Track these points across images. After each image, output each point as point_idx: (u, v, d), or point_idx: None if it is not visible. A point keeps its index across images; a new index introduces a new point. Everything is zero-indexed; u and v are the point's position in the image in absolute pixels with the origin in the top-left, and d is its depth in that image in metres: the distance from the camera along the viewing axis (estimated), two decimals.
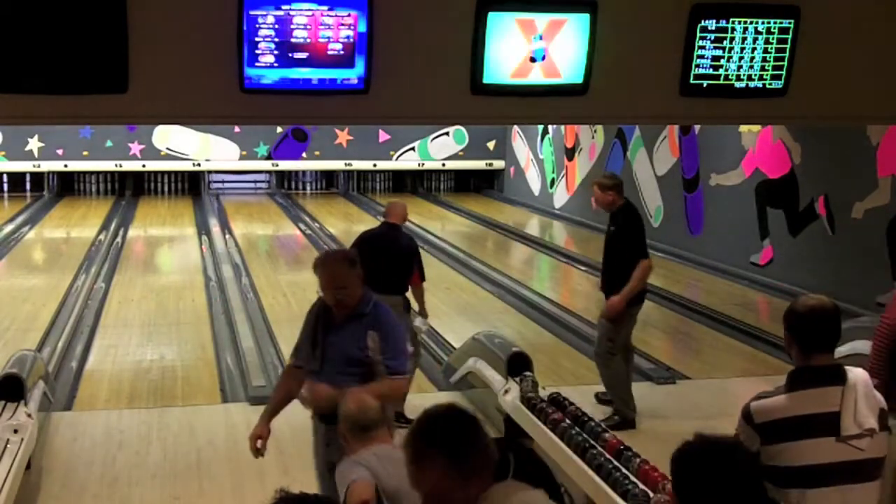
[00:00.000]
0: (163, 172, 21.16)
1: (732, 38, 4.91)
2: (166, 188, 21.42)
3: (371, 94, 4.59)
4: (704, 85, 4.99)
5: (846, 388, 3.21)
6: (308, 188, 22.25)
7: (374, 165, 21.52)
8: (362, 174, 21.87)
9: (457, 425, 2.56)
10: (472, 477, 2.49)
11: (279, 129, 20.64)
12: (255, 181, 21.87)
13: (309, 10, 4.42)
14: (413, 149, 21.42)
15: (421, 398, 6.93)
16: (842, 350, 8.33)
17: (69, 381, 7.88)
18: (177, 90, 4.56)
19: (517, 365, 6.52)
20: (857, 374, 3.29)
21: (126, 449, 6.35)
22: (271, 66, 4.45)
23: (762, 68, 5.00)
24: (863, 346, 4.79)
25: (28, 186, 20.71)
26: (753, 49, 4.95)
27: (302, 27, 4.43)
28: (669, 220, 14.10)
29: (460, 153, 21.64)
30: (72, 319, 9.70)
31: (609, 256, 6.88)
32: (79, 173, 20.86)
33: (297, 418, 6.93)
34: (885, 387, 3.66)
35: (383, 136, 21.19)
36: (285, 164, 21.22)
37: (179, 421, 6.83)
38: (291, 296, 11.05)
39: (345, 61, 4.50)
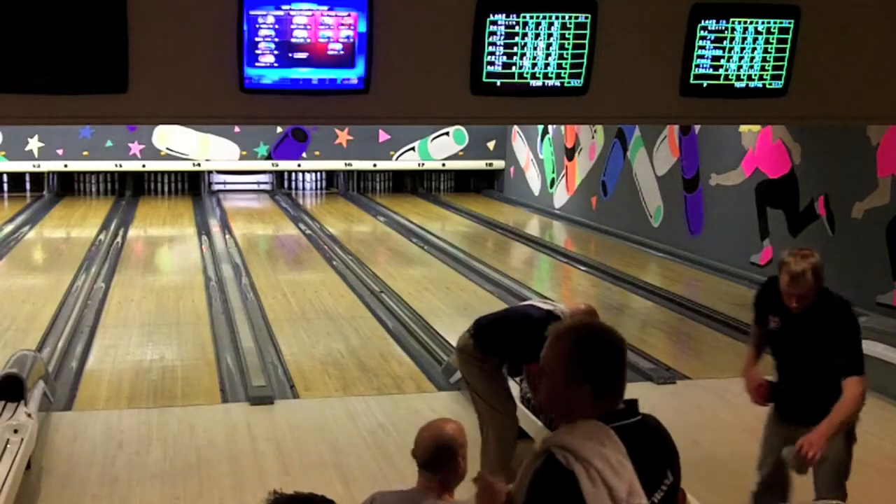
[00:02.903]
0: (163, 172, 21.14)
1: (732, 39, 4.92)
2: (166, 188, 21.40)
3: (371, 94, 4.59)
4: (704, 85, 4.99)
5: None
6: (308, 188, 22.25)
7: (374, 165, 21.51)
8: (362, 174, 21.85)
9: (612, 350, 2.56)
10: (605, 400, 2.54)
11: (279, 129, 20.63)
12: (257, 182, 21.86)
13: (309, 10, 4.42)
14: (413, 149, 21.41)
15: (421, 398, 6.94)
16: None
17: (69, 381, 7.87)
18: (177, 90, 4.55)
19: None
20: None
21: (126, 449, 6.35)
22: (271, 66, 4.45)
23: (762, 68, 5.00)
24: (865, 347, 4.78)
25: (28, 186, 20.68)
26: (753, 49, 4.95)
27: (302, 27, 4.43)
28: (669, 220, 14.09)
29: (460, 153, 21.63)
30: (72, 319, 9.69)
31: (806, 363, 4.61)
32: (79, 173, 20.83)
33: (296, 418, 6.96)
34: None
35: (383, 136, 21.18)
36: (285, 164, 21.21)
37: (179, 421, 6.83)
38: (291, 296, 11.05)
39: (345, 61, 4.50)
